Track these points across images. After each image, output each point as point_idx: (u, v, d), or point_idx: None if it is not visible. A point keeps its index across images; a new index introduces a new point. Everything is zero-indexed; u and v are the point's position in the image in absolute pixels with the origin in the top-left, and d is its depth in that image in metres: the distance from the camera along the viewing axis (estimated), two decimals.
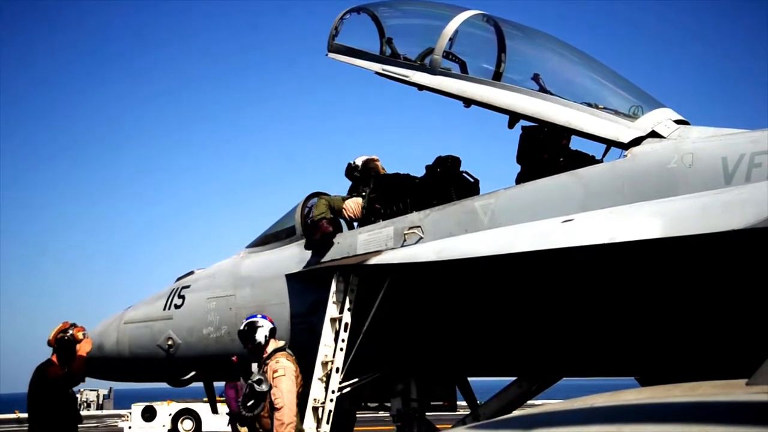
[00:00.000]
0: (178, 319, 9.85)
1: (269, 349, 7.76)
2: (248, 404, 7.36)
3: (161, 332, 9.93)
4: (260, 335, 7.75)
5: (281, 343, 7.83)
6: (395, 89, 8.31)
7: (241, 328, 7.95)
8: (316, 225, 8.53)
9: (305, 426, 7.69)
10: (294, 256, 8.92)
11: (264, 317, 7.98)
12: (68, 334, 7.97)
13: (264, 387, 7.33)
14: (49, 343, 8.09)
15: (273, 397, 7.30)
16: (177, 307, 9.95)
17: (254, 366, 7.86)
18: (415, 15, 9.21)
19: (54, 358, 7.99)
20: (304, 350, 8.40)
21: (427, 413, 8.57)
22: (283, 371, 7.41)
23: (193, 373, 10.03)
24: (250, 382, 7.48)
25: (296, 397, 7.44)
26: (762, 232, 4.73)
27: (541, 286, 6.80)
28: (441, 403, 8.88)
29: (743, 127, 6.60)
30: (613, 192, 6.62)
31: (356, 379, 8.07)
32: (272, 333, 7.86)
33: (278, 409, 7.23)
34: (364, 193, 8.75)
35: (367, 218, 8.54)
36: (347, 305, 7.87)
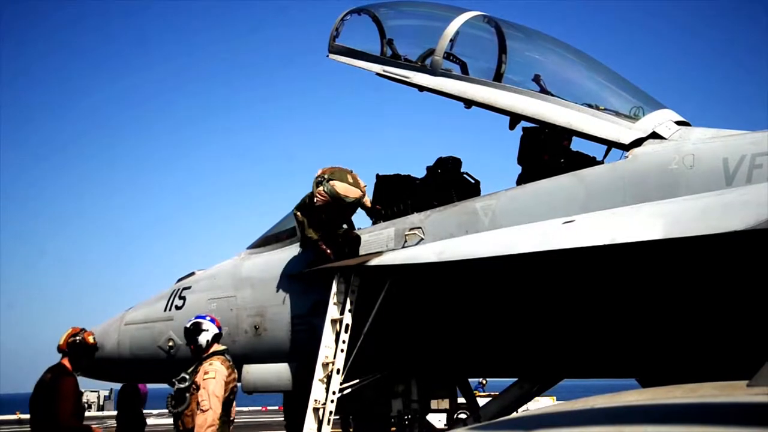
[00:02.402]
0: (179, 320, 9.84)
1: (210, 351, 7.74)
2: (173, 402, 7.38)
3: (162, 333, 9.93)
4: (203, 338, 7.72)
5: (222, 348, 7.81)
6: (396, 90, 8.32)
7: (187, 326, 7.93)
8: (316, 245, 8.48)
9: (306, 427, 7.68)
10: (295, 257, 8.92)
11: (212, 320, 7.93)
12: (79, 338, 8.07)
13: (183, 384, 7.34)
14: (60, 348, 8.17)
15: (199, 399, 7.25)
16: (178, 308, 9.95)
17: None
18: (416, 16, 9.21)
19: (65, 362, 8.06)
20: (304, 351, 8.40)
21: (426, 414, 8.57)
22: (213, 374, 7.35)
23: None
24: (174, 379, 7.50)
25: (222, 400, 7.38)
26: (763, 233, 4.72)
27: (541, 287, 6.79)
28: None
29: (744, 128, 6.62)
30: (614, 193, 6.63)
31: (357, 381, 8.07)
32: (216, 338, 7.83)
33: (203, 411, 7.16)
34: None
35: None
36: (348, 306, 7.86)
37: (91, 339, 8.14)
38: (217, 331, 7.85)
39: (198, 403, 7.25)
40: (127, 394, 10.80)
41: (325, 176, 8.18)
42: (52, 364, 8.24)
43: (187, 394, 7.37)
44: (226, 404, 7.52)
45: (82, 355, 8.09)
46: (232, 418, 7.84)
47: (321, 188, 8.10)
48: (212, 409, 7.15)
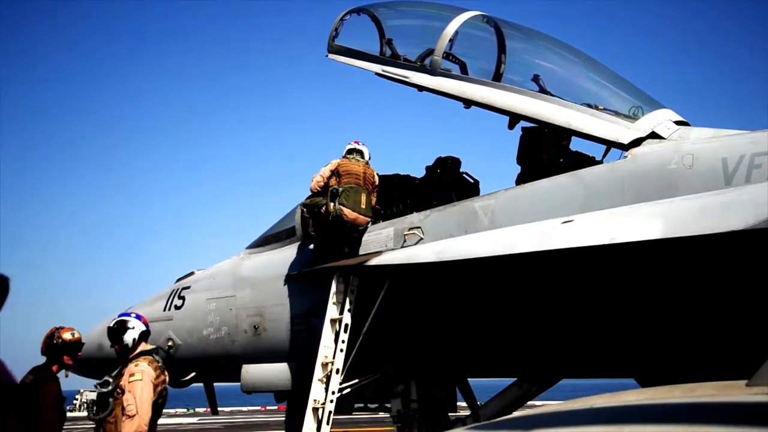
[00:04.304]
0: (178, 319, 9.85)
1: (137, 351, 7.10)
2: (94, 407, 6.79)
3: (161, 333, 9.91)
4: (128, 337, 7.07)
5: (150, 347, 7.19)
6: (395, 90, 8.32)
7: (111, 325, 7.31)
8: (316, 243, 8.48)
9: (305, 427, 7.67)
10: (294, 256, 8.92)
11: (138, 317, 7.31)
12: (55, 338, 7.91)
13: (105, 389, 6.78)
14: (42, 352, 8.00)
15: (125, 403, 6.63)
16: (177, 308, 9.95)
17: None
18: (415, 16, 9.22)
19: (53, 367, 7.93)
20: (304, 351, 8.40)
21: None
22: (140, 375, 6.72)
23: (193, 374, 10.01)
24: (96, 383, 6.95)
25: (151, 404, 6.76)
26: (762, 232, 4.73)
27: (541, 286, 6.80)
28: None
29: (744, 128, 6.62)
30: (614, 193, 6.63)
31: (356, 380, 8.07)
32: (143, 336, 7.17)
33: (130, 417, 6.54)
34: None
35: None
36: (347, 306, 7.86)
37: (67, 336, 7.92)
38: (143, 328, 7.22)
39: (123, 408, 6.64)
40: None
41: (339, 190, 8.10)
42: (37, 365, 8.05)
43: (111, 399, 6.76)
44: (156, 409, 6.91)
45: (62, 353, 7.90)
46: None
47: (331, 206, 8.07)
48: (139, 414, 6.55)
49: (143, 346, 7.10)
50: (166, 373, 7.16)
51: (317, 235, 8.37)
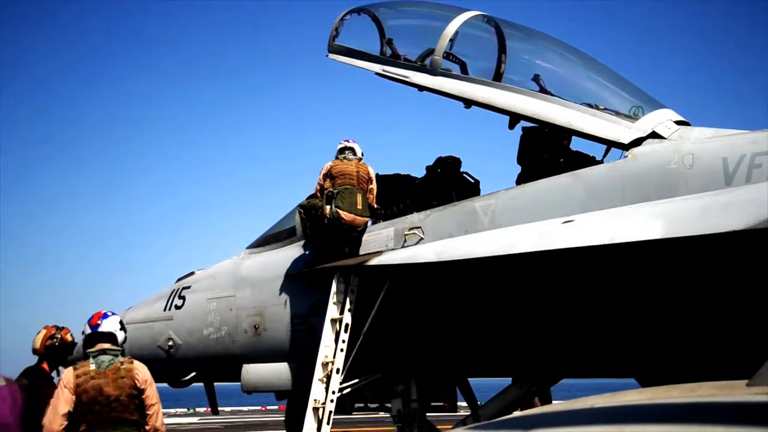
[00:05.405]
0: (178, 319, 9.85)
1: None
2: None
3: (161, 333, 9.93)
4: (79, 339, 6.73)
5: (96, 349, 6.39)
6: (395, 90, 8.32)
7: None
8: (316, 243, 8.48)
9: (306, 427, 7.67)
10: (294, 256, 8.92)
11: (89, 320, 6.64)
12: (57, 339, 7.83)
13: None
14: (37, 352, 7.87)
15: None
16: (177, 307, 9.95)
17: None
18: (416, 16, 9.22)
19: (45, 366, 7.86)
20: (304, 351, 8.40)
21: (427, 414, 8.58)
22: (59, 381, 6.46)
23: (193, 374, 10.01)
24: None
25: (64, 411, 6.14)
26: (762, 232, 4.73)
27: (541, 286, 6.79)
28: (441, 403, 8.88)
29: (744, 127, 6.61)
30: (614, 193, 6.63)
31: (357, 380, 8.07)
32: (90, 339, 6.50)
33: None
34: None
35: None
36: (348, 306, 7.86)
37: (69, 336, 7.89)
38: (89, 331, 6.57)
39: None
40: None
41: (335, 192, 8.08)
42: (28, 367, 7.91)
43: None
44: (100, 409, 6.14)
45: (62, 355, 7.86)
46: (147, 428, 6.27)
47: (328, 208, 8.06)
48: (46, 424, 6.18)
49: (98, 347, 6.45)
50: (120, 375, 6.28)
51: (315, 237, 8.37)
